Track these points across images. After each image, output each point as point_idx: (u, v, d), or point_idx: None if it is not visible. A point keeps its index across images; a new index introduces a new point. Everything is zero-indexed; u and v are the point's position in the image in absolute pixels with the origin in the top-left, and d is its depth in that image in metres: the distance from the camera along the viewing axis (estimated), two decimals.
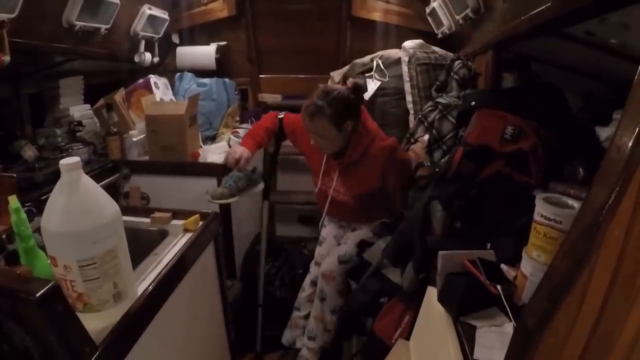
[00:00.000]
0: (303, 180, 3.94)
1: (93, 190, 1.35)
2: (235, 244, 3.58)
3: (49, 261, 1.36)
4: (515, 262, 1.59)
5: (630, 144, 0.74)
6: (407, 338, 1.98)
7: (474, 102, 2.16)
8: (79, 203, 1.29)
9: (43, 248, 1.38)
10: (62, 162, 1.28)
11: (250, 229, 4.06)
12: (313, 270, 3.28)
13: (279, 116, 3.21)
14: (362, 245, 2.80)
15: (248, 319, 3.49)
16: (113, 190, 3.31)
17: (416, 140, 3.00)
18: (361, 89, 2.74)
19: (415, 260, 1.95)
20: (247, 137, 3.07)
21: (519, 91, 2.48)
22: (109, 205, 1.38)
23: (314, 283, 3.21)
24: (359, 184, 2.86)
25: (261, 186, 3.05)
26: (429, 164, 2.69)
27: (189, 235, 2.09)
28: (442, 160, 2.47)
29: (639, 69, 0.77)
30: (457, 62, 3.01)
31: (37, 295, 1.10)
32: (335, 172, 2.92)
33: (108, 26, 3.15)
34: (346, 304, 2.95)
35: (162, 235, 2.09)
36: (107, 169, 3.28)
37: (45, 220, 1.28)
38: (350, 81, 2.74)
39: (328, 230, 3.33)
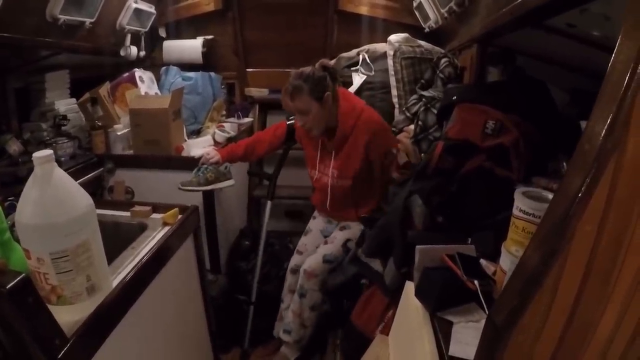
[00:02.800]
0: (291, 175, 3.94)
1: (66, 183, 1.34)
2: (220, 239, 3.56)
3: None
4: (495, 257, 1.57)
5: (602, 135, 0.73)
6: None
7: (455, 97, 2.15)
8: (51, 196, 1.28)
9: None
10: (35, 154, 1.27)
11: (235, 223, 4.05)
12: (293, 259, 3.30)
13: (289, 121, 3.28)
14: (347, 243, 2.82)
15: (233, 314, 3.47)
16: (97, 185, 3.31)
17: (401, 130, 3.00)
18: (328, 66, 2.87)
19: (396, 255, 1.94)
20: (229, 146, 3.29)
21: (502, 85, 2.47)
22: (82, 198, 1.36)
23: (293, 271, 3.24)
24: (353, 162, 2.91)
25: (230, 182, 3.12)
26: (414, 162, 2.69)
27: (167, 228, 2.08)
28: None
29: (610, 61, 0.76)
30: (443, 60, 3.00)
31: (8, 287, 1.09)
32: (331, 157, 2.98)
33: (93, 20, 3.12)
34: (326, 283, 2.94)
35: (142, 229, 2.08)
36: (91, 163, 3.26)
37: (18, 213, 1.27)
38: (318, 63, 2.85)
39: (316, 222, 3.36)
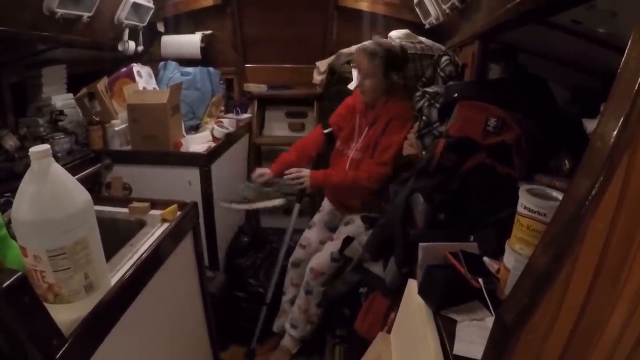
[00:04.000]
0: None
1: (63, 179, 1.32)
2: (219, 236, 3.54)
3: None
4: (499, 254, 1.55)
5: (614, 133, 0.71)
6: None
7: (456, 94, 2.13)
8: (48, 191, 1.26)
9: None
10: (32, 149, 1.24)
11: (234, 220, 4.03)
12: (296, 252, 3.32)
13: (326, 131, 3.47)
14: (346, 242, 2.79)
15: (232, 311, 3.46)
16: (95, 181, 3.29)
17: None
18: (407, 53, 3.17)
19: (397, 254, 1.93)
20: (278, 159, 3.45)
21: (503, 82, 2.45)
22: (80, 194, 1.34)
23: (295, 265, 3.26)
24: (375, 137, 3.03)
25: (278, 202, 3.10)
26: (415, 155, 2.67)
27: (166, 225, 2.06)
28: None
29: (625, 53, 0.74)
30: (444, 58, 2.98)
31: (3, 286, 1.07)
32: (363, 132, 3.15)
33: (90, 14, 3.09)
34: (324, 294, 2.94)
35: (140, 225, 2.06)
36: (88, 159, 3.25)
37: (14, 209, 1.25)
38: (398, 44, 3.11)
39: (321, 215, 3.41)
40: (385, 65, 2.94)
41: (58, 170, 1.31)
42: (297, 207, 3.47)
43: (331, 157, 3.41)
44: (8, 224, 1.41)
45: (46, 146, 1.26)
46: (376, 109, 3.04)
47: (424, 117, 2.60)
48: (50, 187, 1.27)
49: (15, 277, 1.10)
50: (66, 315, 1.33)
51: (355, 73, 3.12)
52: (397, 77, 3.07)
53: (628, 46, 0.73)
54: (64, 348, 1.23)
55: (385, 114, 2.99)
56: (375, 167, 2.95)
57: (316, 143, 3.42)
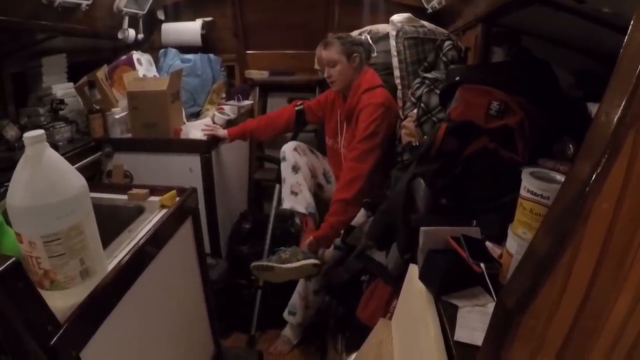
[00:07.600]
0: None
1: (58, 164, 1.30)
2: (220, 222, 3.54)
3: None
4: (501, 239, 1.55)
5: (620, 109, 0.69)
6: None
7: (458, 78, 2.11)
8: (42, 177, 1.25)
9: None
10: (26, 134, 1.23)
11: (236, 207, 4.02)
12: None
13: (297, 107, 3.52)
14: (347, 230, 2.77)
15: (234, 298, 3.46)
16: (96, 169, 3.30)
17: (406, 117, 2.97)
18: (364, 41, 3.26)
19: (400, 240, 1.91)
20: (240, 124, 3.52)
21: (506, 66, 2.43)
22: (74, 179, 1.33)
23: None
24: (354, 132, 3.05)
25: (312, 261, 2.98)
26: (417, 144, 2.65)
27: (165, 211, 2.04)
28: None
29: (628, 30, 0.72)
30: (447, 43, 2.95)
31: None
32: (344, 127, 3.23)
33: (89, 2, 3.06)
34: (327, 280, 2.95)
35: (139, 211, 2.04)
36: (89, 147, 3.25)
37: (9, 195, 1.24)
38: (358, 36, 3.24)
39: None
40: (345, 47, 3.05)
41: (52, 155, 1.30)
42: (278, 187, 3.49)
43: (327, 155, 3.47)
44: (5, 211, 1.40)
45: (40, 131, 1.25)
46: (348, 100, 3.10)
47: (422, 105, 2.57)
48: (44, 173, 1.26)
49: (8, 262, 1.09)
50: (62, 301, 1.32)
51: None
52: (361, 57, 3.13)
53: (633, 20, 0.71)
54: (58, 334, 1.22)
55: (357, 107, 3.03)
56: (346, 160, 2.99)
57: (287, 119, 3.48)
